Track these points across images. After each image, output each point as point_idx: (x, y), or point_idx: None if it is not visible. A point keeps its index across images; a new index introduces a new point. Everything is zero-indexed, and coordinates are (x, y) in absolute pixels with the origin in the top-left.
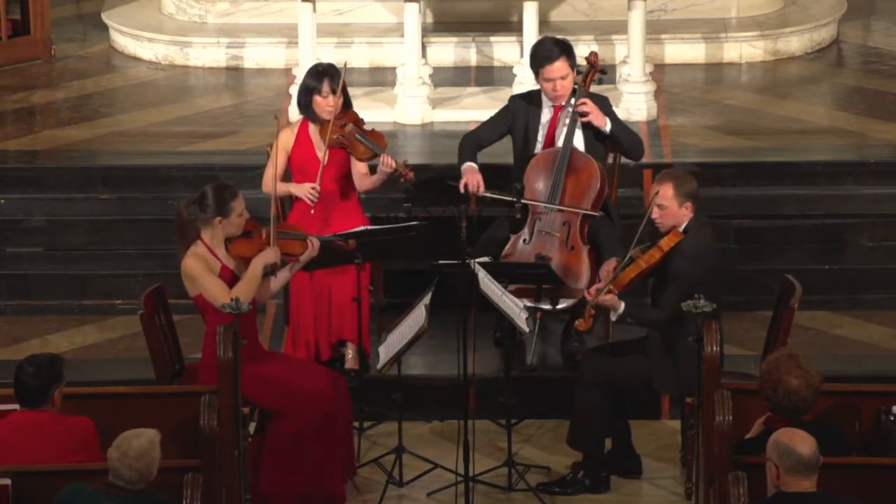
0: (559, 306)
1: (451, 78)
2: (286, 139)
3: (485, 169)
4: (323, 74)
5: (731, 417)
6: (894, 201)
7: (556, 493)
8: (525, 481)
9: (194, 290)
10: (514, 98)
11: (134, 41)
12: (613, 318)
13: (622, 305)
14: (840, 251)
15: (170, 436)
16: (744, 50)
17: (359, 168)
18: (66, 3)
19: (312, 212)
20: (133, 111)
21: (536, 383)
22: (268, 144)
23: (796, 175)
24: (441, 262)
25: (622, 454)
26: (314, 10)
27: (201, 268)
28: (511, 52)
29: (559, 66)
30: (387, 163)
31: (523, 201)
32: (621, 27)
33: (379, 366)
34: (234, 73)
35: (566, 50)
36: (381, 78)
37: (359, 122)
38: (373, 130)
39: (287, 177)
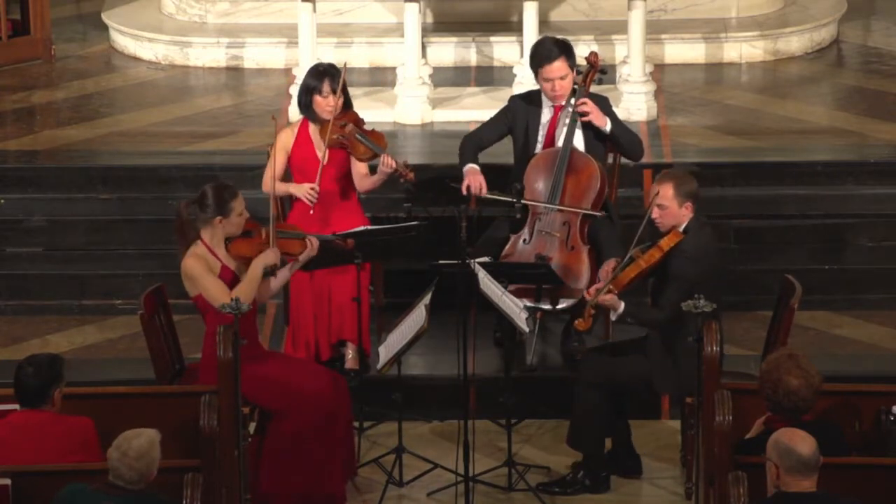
0: (559, 306)
1: (451, 78)
2: (286, 139)
3: (485, 169)
4: (323, 74)
5: (731, 417)
6: (894, 201)
7: (556, 493)
8: (525, 481)
9: (194, 290)
10: (514, 98)
11: (134, 41)
12: (613, 317)
13: (622, 305)
14: (840, 251)
15: (170, 436)
16: (744, 50)
17: (359, 168)
18: (66, 3)
19: (312, 212)
20: (133, 111)
21: (536, 383)
22: (268, 144)
23: (796, 175)
24: (441, 262)
25: (622, 454)
26: (314, 10)
27: (201, 268)
28: (511, 52)
29: (559, 66)
30: (387, 163)
31: (523, 201)
32: (621, 27)
33: (379, 366)
34: (234, 73)
35: (566, 50)
36: (381, 78)
37: (359, 122)
38: (373, 130)
39: (287, 177)
